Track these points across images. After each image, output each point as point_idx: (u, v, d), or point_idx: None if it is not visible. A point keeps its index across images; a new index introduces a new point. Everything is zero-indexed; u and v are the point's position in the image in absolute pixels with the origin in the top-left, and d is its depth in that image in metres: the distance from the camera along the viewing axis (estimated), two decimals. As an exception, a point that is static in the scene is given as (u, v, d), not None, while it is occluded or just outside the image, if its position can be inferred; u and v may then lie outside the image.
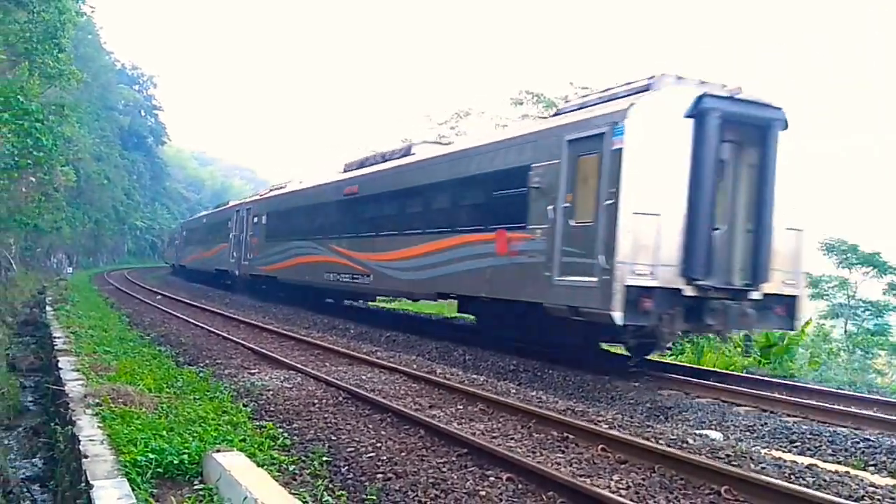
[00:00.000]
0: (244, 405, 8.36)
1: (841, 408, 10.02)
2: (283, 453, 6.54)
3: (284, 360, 11.86)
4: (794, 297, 11.70)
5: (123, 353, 11.77)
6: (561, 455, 6.73)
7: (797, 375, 15.37)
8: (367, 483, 5.83)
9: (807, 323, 22.03)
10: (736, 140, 11.04)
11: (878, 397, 11.53)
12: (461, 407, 8.79)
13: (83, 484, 5.38)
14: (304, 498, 5.19)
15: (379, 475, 6.01)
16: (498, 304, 13.68)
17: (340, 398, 9.03)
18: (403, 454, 6.58)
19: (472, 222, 14.51)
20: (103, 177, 48.29)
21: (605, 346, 14.46)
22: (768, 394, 10.92)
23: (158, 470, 5.65)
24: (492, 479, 5.88)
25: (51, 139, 20.30)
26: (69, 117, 27.60)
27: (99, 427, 6.77)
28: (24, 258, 35.24)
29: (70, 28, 23.47)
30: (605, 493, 5.34)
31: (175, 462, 5.72)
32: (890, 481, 6.60)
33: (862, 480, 6.35)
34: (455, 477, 5.92)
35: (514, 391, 10.27)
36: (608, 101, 11.64)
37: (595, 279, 10.66)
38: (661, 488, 5.84)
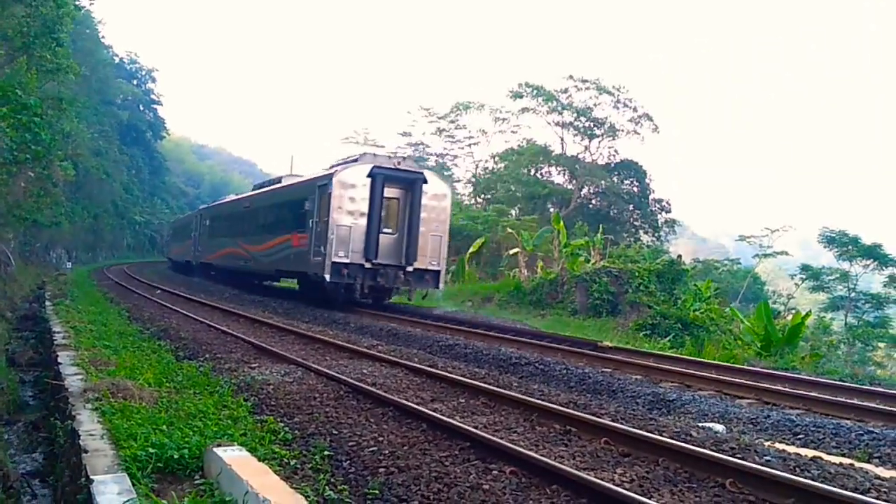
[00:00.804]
0: (244, 399, 8.30)
1: (844, 400, 9.99)
2: (284, 448, 6.49)
3: (285, 354, 11.81)
4: (437, 270, 21.58)
5: (123, 348, 11.73)
6: (564, 448, 6.69)
7: (798, 368, 15.33)
8: (369, 477, 5.78)
9: (807, 315, 22.05)
10: (396, 188, 20.78)
11: (880, 389, 11.49)
12: (463, 400, 8.75)
13: (83, 479, 5.35)
14: (306, 492, 5.15)
15: (381, 469, 5.96)
16: (296, 274, 24.52)
17: (341, 392, 8.98)
18: (405, 448, 6.54)
19: (283, 228, 24.66)
20: (102, 172, 48.18)
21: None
22: (770, 386, 10.89)
23: (159, 465, 5.60)
24: (495, 472, 5.83)
25: (49, 134, 20.24)
26: (68, 112, 27.53)
27: (99, 422, 6.74)
28: (23, 253, 35.17)
29: (68, 22, 23.35)
30: (610, 486, 5.29)
31: (175, 457, 5.67)
32: (895, 473, 6.56)
33: (867, 473, 6.32)
34: (458, 470, 5.88)
35: (515, 384, 10.24)
36: (336, 166, 22.01)
37: (321, 259, 20.46)
38: (666, 481, 5.80)
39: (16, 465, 8.40)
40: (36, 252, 39.86)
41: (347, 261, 20.11)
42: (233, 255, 30.90)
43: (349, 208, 20.23)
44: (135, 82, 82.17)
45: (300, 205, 22.70)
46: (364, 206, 20.20)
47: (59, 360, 10.28)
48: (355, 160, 21.47)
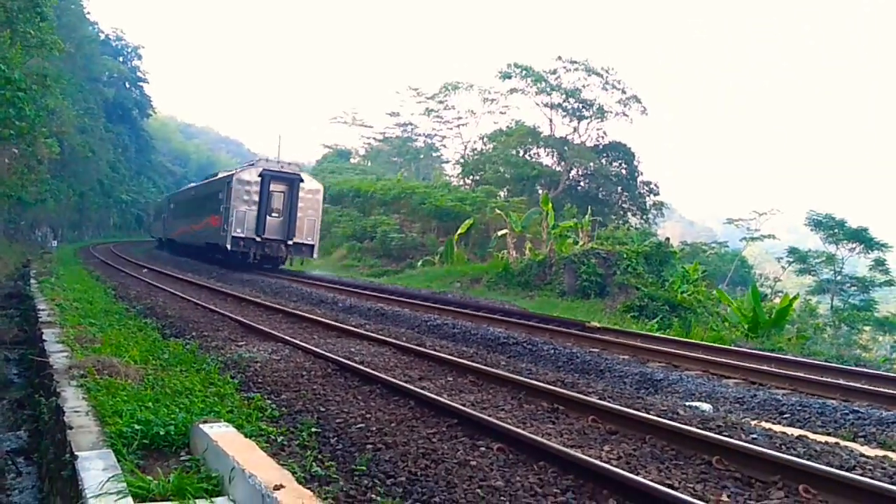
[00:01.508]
0: (231, 377, 8.26)
1: (829, 380, 10.05)
2: (271, 424, 6.45)
3: (272, 332, 11.77)
4: (311, 244, 29.05)
5: (109, 326, 11.63)
6: (552, 426, 6.69)
7: (785, 349, 15.42)
8: (356, 454, 5.76)
9: (794, 298, 22.17)
10: (280, 184, 28.12)
11: (865, 370, 11.57)
12: (451, 379, 8.74)
13: (68, 455, 5.29)
14: (293, 468, 5.11)
15: (369, 446, 5.94)
16: (214, 245, 30.39)
17: (329, 370, 8.95)
18: (393, 425, 6.52)
19: (208, 212, 31.44)
20: (88, 149, 47.69)
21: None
22: (757, 366, 10.94)
23: (144, 441, 5.54)
24: (482, 449, 5.82)
25: (34, 110, 20.00)
26: (52, 88, 27.18)
27: (84, 398, 6.68)
28: (7, 231, 34.89)
29: (52, -4, 23.03)
30: (597, 462, 5.29)
31: (161, 433, 5.62)
32: (880, 452, 6.60)
33: (852, 451, 6.34)
34: (445, 447, 5.87)
35: (504, 363, 10.24)
36: (239, 169, 30.01)
37: (225, 234, 27.61)
38: (653, 458, 5.81)
39: (0, 443, 8.33)
40: (21, 230, 39.54)
41: (243, 235, 27.74)
42: (185, 233, 37.78)
43: (245, 199, 27.80)
44: (120, 59, 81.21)
45: (217, 196, 30.11)
46: (256, 198, 27.83)
47: (44, 337, 10.18)
48: (252, 164, 30.08)
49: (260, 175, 27.98)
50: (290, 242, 28.46)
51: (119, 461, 5.02)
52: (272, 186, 28.07)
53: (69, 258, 32.08)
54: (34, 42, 23.33)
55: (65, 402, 6.58)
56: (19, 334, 14.50)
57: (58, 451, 6.03)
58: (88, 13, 67.25)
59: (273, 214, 28.19)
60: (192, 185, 44.72)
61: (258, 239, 27.92)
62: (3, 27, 21.60)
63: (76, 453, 5.12)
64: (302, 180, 28.75)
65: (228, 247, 27.77)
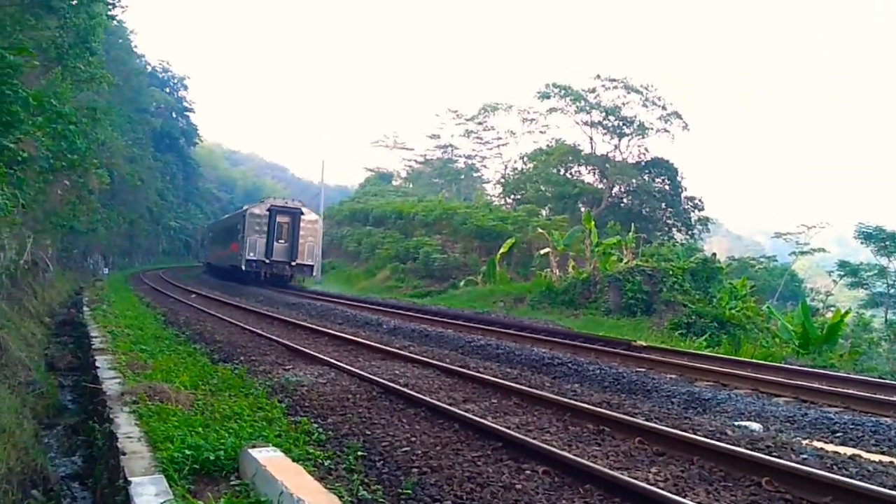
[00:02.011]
0: (279, 401, 8.37)
1: (884, 397, 9.81)
2: (318, 448, 6.53)
3: (318, 355, 11.90)
4: (311, 265, 35.43)
5: (159, 352, 11.88)
6: (597, 448, 6.66)
7: (837, 366, 15.08)
8: (402, 477, 5.80)
9: (846, 313, 21.69)
10: (285, 216, 34.73)
11: (922, 386, 11.25)
12: (495, 401, 8.74)
13: (121, 481, 5.42)
14: (340, 492, 5.18)
15: (414, 469, 5.98)
16: (234, 266, 36.05)
17: (374, 393, 9.03)
18: (438, 448, 6.55)
19: (231, 239, 37.59)
20: (137, 178, 48.81)
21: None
22: (808, 384, 10.73)
23: (195, 466, 5.66)
24: (528, 472, 5.82)
25: (84, 142, 20.53)
26: (102, 121, 27.90)
27: (136, 424, 6.84)
28: (61, 259, 35.76)
29: (101, 32, 23.69)
30: (643, 485, 5.25)
31: (211, 458, 5.73)
32: (937, 472, 6.43)
33: (908, 471, 6.19)
34: (490, 470, 5.88)
35: (548, 384, 10.21)
36: (252, 206, 37.06)
37: (241, 256, 34.47)
38: (701, 480, 5.75)
39: (55, 468, 8.54)
40: (73, 258, 40.48)
41: (255, 258, 34.17)
42: (219, 257, 43.78)
43: (256, 229, 34.35)
44: (167, 90, 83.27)
45: (236, 227, 36.67)
46: (265, 228, 34.44)
47: (97, 364, 10.43)
48: (262, 202, 37.43)
49: (268, 210, 34.87)
50: (293, 263, 34.81)
51: (171, 486, 5.13)
52: (278, 218, 34.76)
53: (120, 285, 32.82)
54: (84, 76, 24.00)
55: (118, 427, 6.75)
56: (73, 361, 14.88)
57: (111, 477, 6.18)
58: (136, 46, 69.14)
59: (279, 241, 34.69)
60: (223, 217, 54.26)
61: (267, 261, 34.34)
62: (54, 63, 22.31)
63: (129, 479, 5.25)
64: (302, 213, 35.29)
65: (243, 268, 34.52)
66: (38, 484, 7.54)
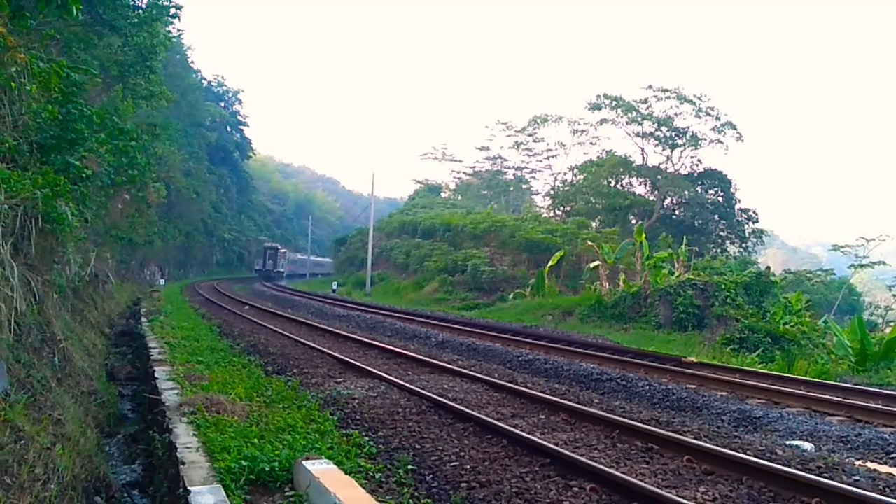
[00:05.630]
0: (331, 414, 8.54)
1: (943, 418, 9.58)
2: (369, 461, 6.67)
3: (369, 368, 12.07)
4: (283, 272, 74.47)
5: (215, 363, 12.19)
6: (645, 466, 6.67)
7: (894, 384, 14.72)
8: (451, 492, 5.90)
9: (904, 328, 21.09)
10: (270, 250, 72.96)
11: (983, 407, 10.94)
12: (543, 416, 8.79)
13: (181, 489, 5.62)
14: (391, 506, 5.29)
15: (463, 484, 6.07)
16: (258, 270, 73.90)
17: (424, 407, 9.15)
18: (486, 463, 6.63)
19: (257, 258, 79.90)
20: (192, 191, 50.19)
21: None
22: (862, 403, 10.54)
23: (251, 477, 5.84)
24: (575, 489, 5.87)
25: (144, 157, 21.13)
26: (160, 136, 28.68)
27: (194, 435, 7.06)
28: (119, 271, 36.78)
29: (161, 51, 24.38)
30: (692, 504, 5.27)
31: (266, 469, 5.90)
32: None
33: (965, 495, 6.08)
34: (538, 486, 5.94)
35: (596, 401, 10.21)
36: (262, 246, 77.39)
37: (258, 268, 74.30)
38: (749, 500, 5.73)
39: (116, 476, 8.83)
40: (131, 270, 41.59)
41: (261, 268, 69.21)
42: (257, 268, 71.65)
43: (261, 255, 70.77)
44: (222, 104, 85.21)
45: (263, 252, 71.14)
46: (265, 256, 70.10)
47: (156, 374, 10.75)
48: (265, 243, 75.50)
49: (264, 248, 70.61)
50: (275, 271, 68.44)
51: (228, 496, 5.32)
52: (268, 252, 69.98)
53: (176, 296, 33.58)
54: (144, 93, 24.74)
55: (177, 438, 6.98)
56: (132, 371, 15.30)
57: (171, 485, 6.40)
58: (192, 62, 71.02)
59: (269, 262, 69.17)
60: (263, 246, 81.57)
61: (265, 270, 67.89)
62: (116, 81, 23.06)
63: (189, 488, 5.45)
64: (277, 248, 71.62)
65: (256, 270, 71.04)
66: (101, 491, 7.81)
